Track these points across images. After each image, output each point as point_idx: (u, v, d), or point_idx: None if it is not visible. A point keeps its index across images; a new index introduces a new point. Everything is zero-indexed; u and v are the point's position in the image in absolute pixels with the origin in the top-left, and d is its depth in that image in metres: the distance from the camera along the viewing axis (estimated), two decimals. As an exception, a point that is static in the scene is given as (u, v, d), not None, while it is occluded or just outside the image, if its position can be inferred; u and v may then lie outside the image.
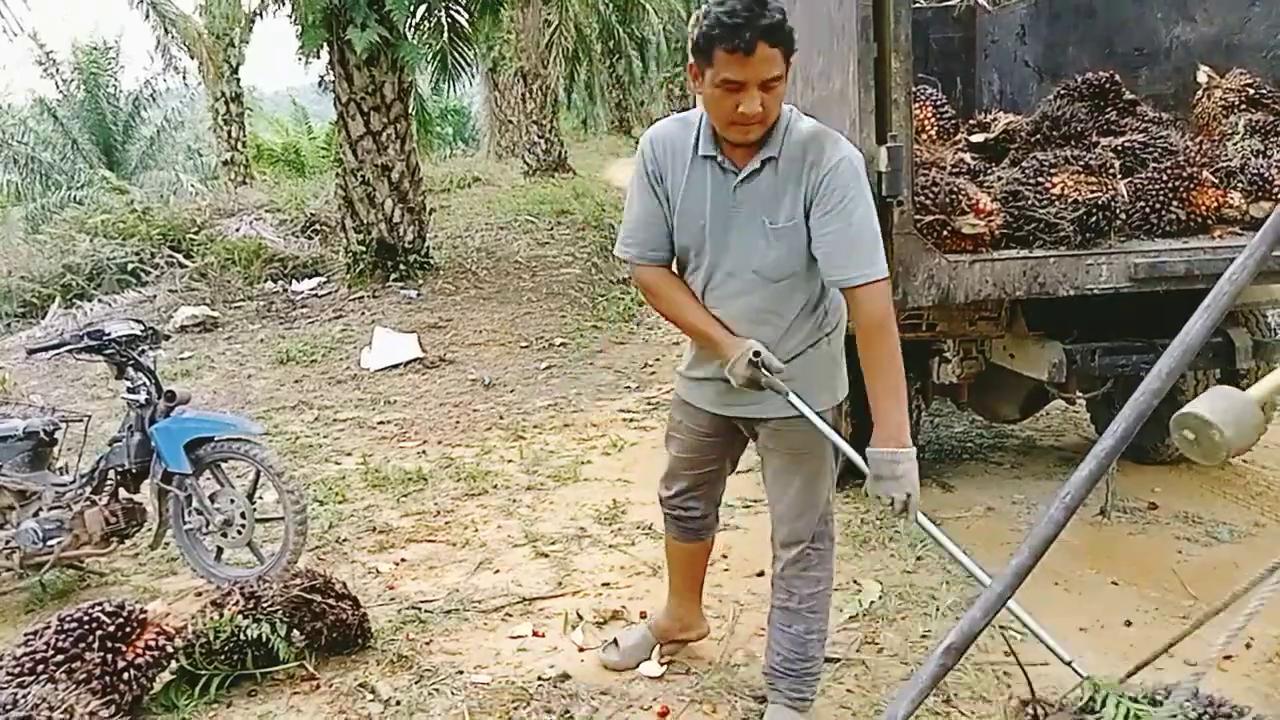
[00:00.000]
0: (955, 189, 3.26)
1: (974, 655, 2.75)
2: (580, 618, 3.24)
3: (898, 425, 2.09)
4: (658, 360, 7.31)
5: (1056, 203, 3.28)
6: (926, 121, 4.05)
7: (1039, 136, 3.75)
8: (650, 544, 3.87)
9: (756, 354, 2.17)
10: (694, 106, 2.28)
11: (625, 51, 26.37)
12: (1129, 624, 3.06)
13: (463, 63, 11.02)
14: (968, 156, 3.80)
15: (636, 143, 2.49)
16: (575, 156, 19.34)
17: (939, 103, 4.23)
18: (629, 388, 6.54)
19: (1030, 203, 3.30)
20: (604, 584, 3.52)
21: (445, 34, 10.47)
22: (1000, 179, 3.51)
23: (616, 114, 30.02)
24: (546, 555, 3.81)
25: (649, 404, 6.07)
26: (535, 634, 3.16)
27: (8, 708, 2.26)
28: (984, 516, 4.02)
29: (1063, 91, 4.11)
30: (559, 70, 14.31)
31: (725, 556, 3.72)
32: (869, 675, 2.82)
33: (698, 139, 2.20)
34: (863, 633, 3.06)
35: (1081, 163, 3.42)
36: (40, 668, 2.57)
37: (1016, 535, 3.80)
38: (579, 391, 6.44)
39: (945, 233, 3.19)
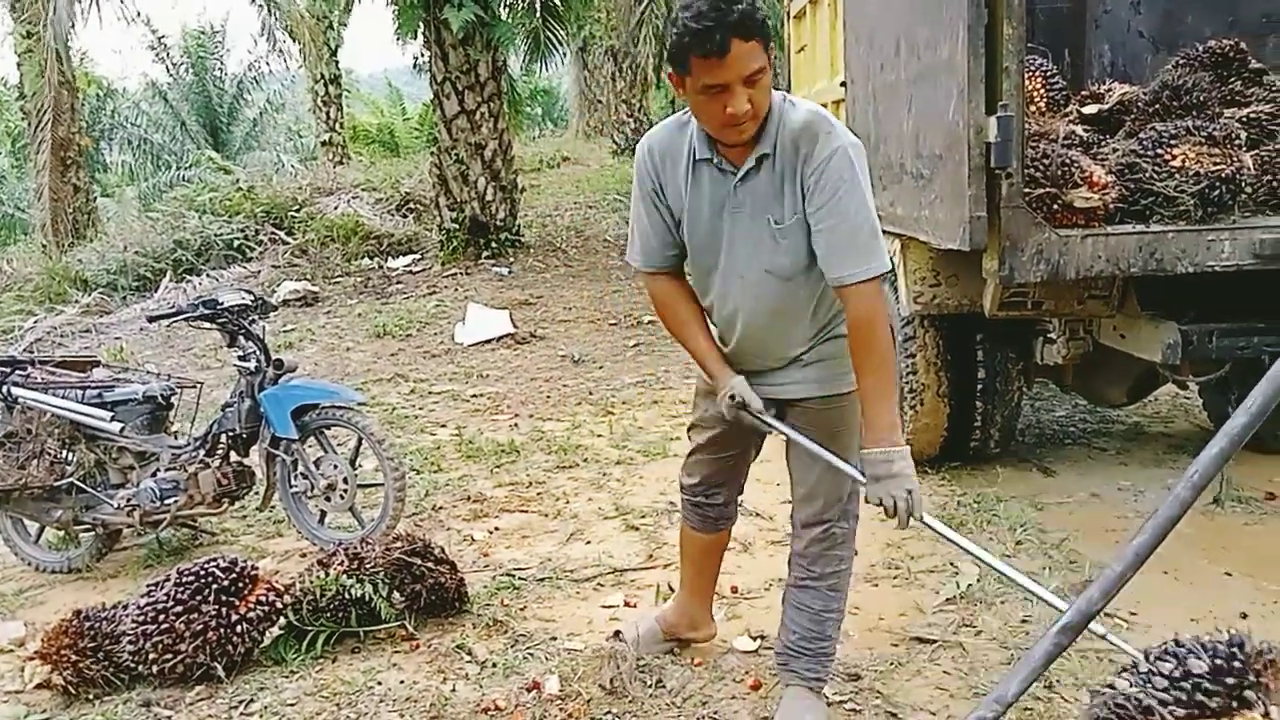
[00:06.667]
0: (1067, 161, 3.13)
1: (1079, 641, 2.67)
2: (672, 590, 3.24)
3: (889, 425, 2.08)
4: (747, 339, 7.26)
5: (1176, 175, 3.12)
6: (1036, 92, 3.89)
7: (1158, 107, 3.56)
8: (741, 522, 3.85)
9: (733, 396, 2.23)
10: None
11: (716, 29, 25.99)
12: (1245, 616, 2.93)
13: (555, 41, 11.09)
14: (1080, 128, 3.64)
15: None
16: (663, 136, 19.24)
17: (1049, 73, 4.07)
18: (718, 366, 6.51)
19: (1148, 175, 3.15)
20: (694, 558, 3.52)
21: (538, 13, 10.55)
22: (1115, 151, 3.36)
23: (705, 93, 29.64)
24: (637, 528, 3.84)
25: (738, 382, 6.03)
26: (627, 604, 3.19)
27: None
28: (1088, 503, 3.89)
29: (1182, 60, 3.90)
30: (650, 49, 14.23)
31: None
32: (967, 658, 2.76)
33: (692, 142, 2.14)
34: (960, 615, 3.00)
35: (1204, 134, 3.23)
36: (161, 617, 2.71)
37: (1123, 522, 3.67)
38: (667, 369, 6.44)
39: (1056, 206, 3.06)
